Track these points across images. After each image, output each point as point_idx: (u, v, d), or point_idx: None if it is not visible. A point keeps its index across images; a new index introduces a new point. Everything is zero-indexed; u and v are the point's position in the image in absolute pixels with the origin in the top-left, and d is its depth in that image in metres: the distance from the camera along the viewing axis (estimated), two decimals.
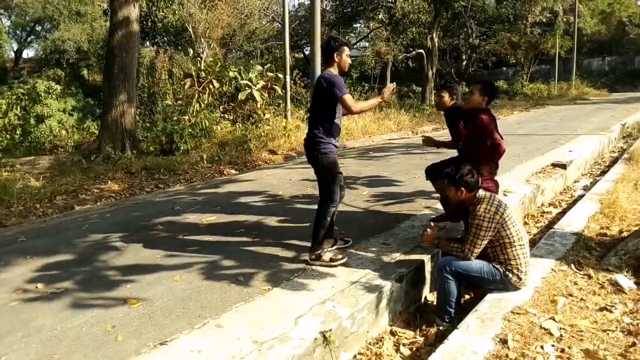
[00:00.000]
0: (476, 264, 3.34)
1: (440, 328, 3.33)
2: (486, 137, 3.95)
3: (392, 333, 3.38)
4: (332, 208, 3.84)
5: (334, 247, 4.10)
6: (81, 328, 2.96)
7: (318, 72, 12.59)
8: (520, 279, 3.27)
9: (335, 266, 3.74)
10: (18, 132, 15.79)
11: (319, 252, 3.83)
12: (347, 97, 3.63)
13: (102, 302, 3.31)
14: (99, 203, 6.74)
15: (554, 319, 2.94)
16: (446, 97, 4.56)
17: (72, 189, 7.27)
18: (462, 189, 3.36)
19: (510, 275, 3.26)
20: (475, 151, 4.03)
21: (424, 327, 3.43)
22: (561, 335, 2.77)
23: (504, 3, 25.72)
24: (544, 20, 25.61)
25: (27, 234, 5.16)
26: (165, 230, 4.98)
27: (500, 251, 3.30)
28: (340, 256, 3.84)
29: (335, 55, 3.77)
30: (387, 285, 3.41)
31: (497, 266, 3.30)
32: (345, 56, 3.79)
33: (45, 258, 4.29)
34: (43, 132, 15.48)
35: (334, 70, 3.78)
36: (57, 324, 3.02)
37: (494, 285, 3.32)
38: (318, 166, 3.83)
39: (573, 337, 2.77)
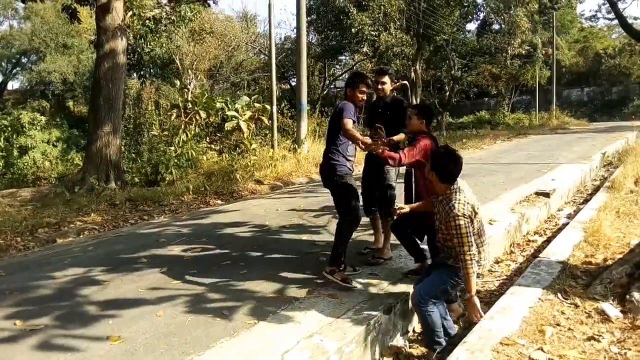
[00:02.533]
0: (438, 278, 3.30)
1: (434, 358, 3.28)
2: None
3: None
4: (354, 227, 4.01)
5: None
6: None
7: (304, 102, 12.78)
8: (479, 264, 3.23)
9: (344, 287, 3.83)
10: (0, 163, 15.58)
11: (334, 268, 3.93)
12: (346, 121, 3.87)
13: (83, 339, 3.20)
14: (81, 236, 6.62)
15: (542, 350, 2.92)
16: (389, 83, 4.49)
17: (55, 221, 7.13)
18: (433, 172, 3.24)
19: None
20: (418, 172, 4.00)
21: None
22: None
23: (485, 36, 26.58)
24: (523, 52, 26.45)
25: (7, 269, 5.02)
26: (149, 264, 4.89)
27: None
28: (349, 280, 3.92)
29: (348, 90, 4.12)
30: (375, 317, 3.37)
31: (454, 264, 3.23)
32: (359, 92, 4.06)
33: (24, 293, 4.17)
34: (26, 164, 15.29)
35: (349, 102, 4.03)
36: None
37: (461, 286, 3.28)
38: (336, 188, 4.03)
39: None
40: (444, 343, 3.31)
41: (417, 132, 4.08)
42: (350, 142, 4.01)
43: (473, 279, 3.17)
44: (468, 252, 3.11)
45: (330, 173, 4.02)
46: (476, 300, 3.20)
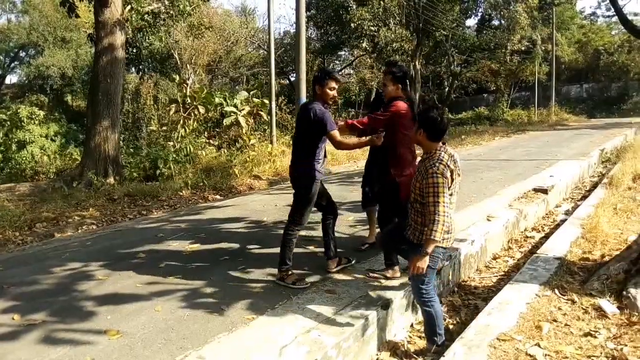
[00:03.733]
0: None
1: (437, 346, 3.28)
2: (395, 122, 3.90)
3: None
4: (297, 231, 4.00)
5: (339, 267, 4.21)
6: None
7: (303, 98, 12.73)
8: (442, 238, 3.09)
9: (297, 289, 3.80)
10: None
11: (284, 272, 3.94)
12: (335, 133, 3.77)
13: (80, 334, 3.21)
14: (80, 231, 6.62)
15: (539, 345, 2.94)
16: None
17: (53, 216, 7.13)
18: (422, 130, 3.15)
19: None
20: (391, 136, 3.95)
21: (410, 355, 3.40)
22: None
23: (484, 32, 26.51)
24: (522, 48, 26.40)
25: (4, 263, 5.02)
26: (147, 259, 4.89)
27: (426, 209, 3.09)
28: (304, 280, 3.92)
29: (317, 87, 3.89)
30: (373, 313, 3.37)
31: (422, 236, 3.15)
32: (328, 89, 3.87)
33: (22, 288, 4.17)
34: (24, 158, 15.27)
35: (319, 102, 3.88)
36: (33, 357, 2.92)
37: (437, 258, 3.20)
38: (302, 192, 3.92)
39: None
40: (443, 337, 3.32)
41: (394, 97, 4.02)
42: (323, 146, 3.92)
43: (433, 244, 3.05)
44: (442, 213, 2.99)
45: (300, 177, 3.92)
46: (425, 259, 3.08)
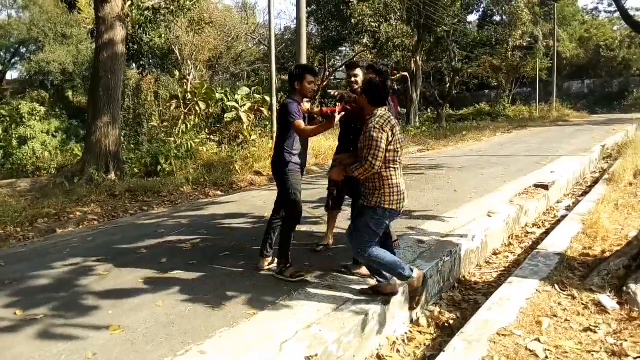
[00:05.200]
0: (361, 224, 3.36)
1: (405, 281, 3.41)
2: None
3: (379, 357, 3.35)
4: (296, 224, 4.07)
5: (269, 266, 4.22)
6: (60, 356, 2.88)
7: None
8: (391, 200, 3.29)
9: (294, 282, 3.83)
10: None
11: (282, 266, 3.98)
12: (297, 123, 3.89)
13: (82, 329, 3.22)
14: (81, 226, 6.63)
15: (539, 340, 2.95)
16: (361, 75, 4.17)
17: (54, 212, 7.14)
18: (364, 95, 3.39)
19: (383, 200, 3.29)
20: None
21: (411, 351, 3.41)
22: (547, 357, 2.78)
23: (486, 28, 26.43)
24: (524, 44, 26.34)
25: (6, 259, 5.04)
26: (148, 254, 4.90)
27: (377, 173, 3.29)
28: (301, 273, 3.94)
29: (296, 83, 4.01)
30: (374, 308, 3.38)
31: (372, 199, 3.32)
32: (307, 83, 3.98)
33: (24, 283, 4.18)
34: (25, 154, 15.28)
35: (297, 97, 4.00)
36: (34, 352, 2.93)
37: (384, 222, 3.35)
38: (282, 184, 4.05)
39: (558, 358, 2.77)
40: (407, 267, 3.40)
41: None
42: (296, 138, 4.00)
43: (355, 173, 3.32)
44: (370, 162, 3.21)
45: (277, 168, 4.07)
46: (341, 174, 3.51)
